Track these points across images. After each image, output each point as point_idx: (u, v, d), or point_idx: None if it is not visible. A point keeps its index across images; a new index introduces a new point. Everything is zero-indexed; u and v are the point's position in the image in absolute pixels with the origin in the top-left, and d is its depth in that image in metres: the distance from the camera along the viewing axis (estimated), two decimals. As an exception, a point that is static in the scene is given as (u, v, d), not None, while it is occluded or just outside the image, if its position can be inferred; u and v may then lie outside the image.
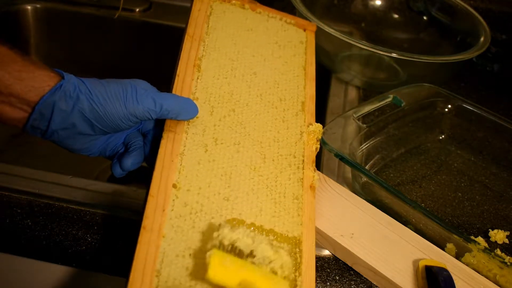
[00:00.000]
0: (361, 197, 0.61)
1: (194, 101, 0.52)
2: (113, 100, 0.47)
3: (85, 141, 0.50)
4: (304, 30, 0.67)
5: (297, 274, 0.46)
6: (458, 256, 0.55)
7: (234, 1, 0.63)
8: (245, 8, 0.64)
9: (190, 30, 0.57)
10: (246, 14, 0.63)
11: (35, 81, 0.46)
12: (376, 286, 0.54)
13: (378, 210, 0.58)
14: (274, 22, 0.65)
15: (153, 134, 0.53)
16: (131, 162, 0.51)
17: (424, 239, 0.56)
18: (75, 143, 0.49)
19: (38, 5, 1.01)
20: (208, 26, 0.59)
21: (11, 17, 1.00)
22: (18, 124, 0.47)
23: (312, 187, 0.54)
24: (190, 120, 0.51)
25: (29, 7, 1.01)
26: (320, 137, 0.58)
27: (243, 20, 0.62)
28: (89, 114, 0.47)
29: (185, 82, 0.54)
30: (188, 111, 0.50)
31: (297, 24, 0.66)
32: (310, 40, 0.66)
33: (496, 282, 0.53)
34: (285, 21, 0.66)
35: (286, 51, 0.63)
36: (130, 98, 0.48)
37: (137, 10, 1.01)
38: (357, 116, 0.66)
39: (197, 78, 0.55)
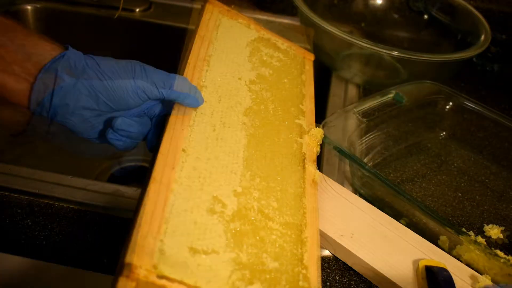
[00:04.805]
0: (360, 191, 0.61)
1: (203, 88, 0.54)
2: (121, 73, 0.47)
3: (89, 117, 0.49)
4: (304, 58, 0.70)
5: (303, 250, 0.47)
6: (451, 249, 0.56)
7: (240, 20, 0.66)
8: (250, 28, 0.66)
9: (201, 32, 0.60)
10: (250, 33, 0.66)
11: (37, 49, 0.46)
12: (376, 286, 0.54)
13: (378, 210, 0.58)
14: (276, 45, 0.68)
15: (158, 119, 0.53)
16: (122, 120, 0.49)
17: (424, 239, 0.56)
18: (79, 121, 0.49)
19: (38, 5, 1.01)
20: (217, 33, 0.62)
21: (11, 17, 1.00)
22: (23, 100, 0.47)
23: (314, 181, 0.55)
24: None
25: (29, 7, 1.01)
26: (321, 141, 0.59)
27: (249, 38, 0.65)
28: (95, 85, 0.46)
29: (196, 70, 0.55)
30: (195, 96, 0.50)
31: (297, 50, 0.70)
32: (308, 67, 0.69)
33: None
34: (287, 46, 0.68)
35: (287, 70, 0.65)
36: (139, 73, 0.48)
37: (137, 10, 1.01)
38: (358, 111, 0.67)
39: (206, 71, 0.56)
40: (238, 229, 0.45)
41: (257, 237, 0.45)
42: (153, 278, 0.37)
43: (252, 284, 0.41)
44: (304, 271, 0.45)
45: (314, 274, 0.46)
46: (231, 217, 0.45)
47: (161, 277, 0.37)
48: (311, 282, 0.45)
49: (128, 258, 0.37)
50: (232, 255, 0.42)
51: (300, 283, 0.44)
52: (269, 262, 0.44)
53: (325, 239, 0.55)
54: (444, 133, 0.76)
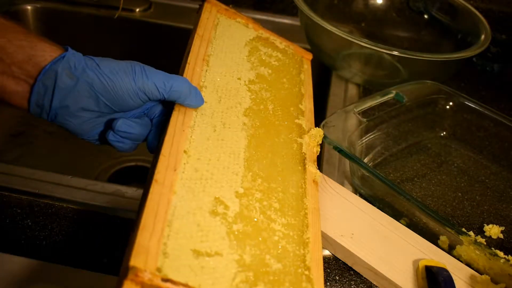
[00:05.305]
0: (360, 191, 0.61)
1: (203, 89, 0.53)
2: (121, 74, 0.47)
3: (89, 118, 0.49)
4: (302, 57, 0.69)
5: (306, 251, 0.47)
6: (451, 249, 0.56)
7: (239, 19, 0.66)
8: (249, 28, 0.66)
9: (199, 31, 0.59)
10: (249, 32, 0.66)
11: (36, 51, 0.45)
12: (376, 286, 0.54)
13: (378, 210, 0.58)
14: (275, 44, 0.68)
15: (159, 120, 0.52)
16: (123, 122, 0.49)
17: (424, 239, 0.56)
18: (79, 123, 0.48)
19: (38, 5, 1.01)
20: (215, 32, 0.62)
21: (11, 17, 1.00)
22: (22, 102, 0.47)
23: (315, 182, 0.55)
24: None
25: (29, 7, 1.01)
26: (320, 141, 0.59)
27: (247, 37, 0.65)
28: (95, 86, 0.46)
29: (195, 70, 0.55)
30: (196, 96, 0.50)
31: (296, 50, 0.69)
32: (307, 66, 0.69)
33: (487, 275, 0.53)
34: (285, 45, 0.68)
35: (285, 69, 0.65)
36: (139, 73, 0.48)
37: (137, 10, 1.01)
38: (358, 111, 0.67)
39: (206, 71, 0.56)
40: (240, 230, 0.44)
41: (260, 239, 0.45)
42: (157, 281, 0.37)
43: (256, 286, 0.41)
44: (306, 272, 0.45)
45: (316, 275, 0.46)
46: (233, 218, 0.45)
47: (166, 280, 0.37)
48: (314, 283, 0.45)
49: (132, 261, 0.37)
50: (236, 257, 0.42)
51: (304, 284, 0.44)
52: (272, 263, 0.44)
53: (325, 239, 0.55)
54: (444, 133, 0.76)
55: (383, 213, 0.58)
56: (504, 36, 0.97)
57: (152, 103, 0.52)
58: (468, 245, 0.54)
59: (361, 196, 0.62)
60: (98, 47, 1.05)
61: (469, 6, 0.90)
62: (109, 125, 0.50)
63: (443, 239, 0.56)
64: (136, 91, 0.48)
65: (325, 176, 0.61)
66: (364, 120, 0.67)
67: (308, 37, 0.87)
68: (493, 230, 0.61)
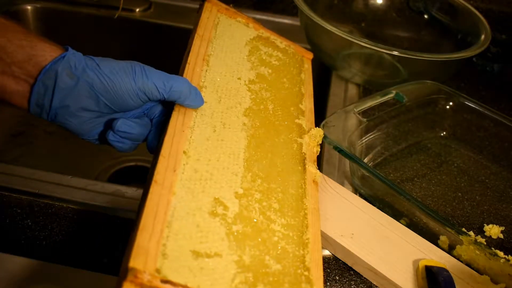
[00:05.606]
0: (360, 191, 0.61)
1: (203, 89, 0.53)
2: (121, 74, 0.47)
3: (89, 118, 0.49)
4: (303, 56, 0.69)
5: (305, 252, 0.47)
6: (451, 249, 0.56)
7: (239, 18, 0.66)
8: (249, 27, 0.66)
9: (199, 31, 0.59)
10: (249, 32, 0.66)
11: (37, 51, 0.45)
12: (376, 286, 0.54)
13: (378, 210, 0.58)
14: (275, 44, 0.68)
15: (159, 120, 0.52)
16: (122, 122, 0.49)
17: (424, 239, 0.56)
18: (79, 122, 0.48)
19: (38, 5, 1.01)
20: (215, 32, 0.61)
21: (11, 17, 1.00)
22: (23, 102, 0.47)
23: (315, 182, 0.55)
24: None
25: (29, 7, 1.01)
26: (320, 141, 0.59)
27: (247, 36, 0.65)
28: (95, 86, 0.46)
29: (195, 71, 0.55)
30: (196, 97, 0.50)
31: (296, 49, 0.69)
32: (307, 65, 0.69)
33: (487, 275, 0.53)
34: (285, 45, 0.68)
35: (286, 69, 0.65)
36: (139, 73, 0.48)
37: (137, 10, 1.01)
38: (358, 111, 0.67)
39: (206, 71, 0.56)
40: (240, 231, 0.44)
41: (259, 239, 0.45)
42: (157, 283, 0.37)
43: (255, 287, 0.41)
44: (306, 273, 0.45)
45: (316, 275, 0.46)
46: (233, 219, 0.45)
47: (165, 281, 0.37)
48: (314, 283, 0.45)
49: (132, 263, 0.37)
50: (235, 258, 0.42)
51: (303, 285, 0.44)
52: (271, 264, 0.44)
53: (325, 239, 0.55)
54: (444, 132, 0.76)
55: (383, 213, 0.58)
56: (504, 36, 0.97)
57: (152, 103, 0.52)
58: (468, 245, 0.54)
59: (361, 196, 0.62)
60: (98, 47, 1.05)
61: (469, 6, 0.90)
62: (109, 125, 0.50)
63: (443, 239, 0.56)
64: (136, 91, 0.48)
65: (325, 176, 0.61)
66: (364, 120, 0.67)
67: (308, 37, 0.87)
68: (493, 230, 0.61)
